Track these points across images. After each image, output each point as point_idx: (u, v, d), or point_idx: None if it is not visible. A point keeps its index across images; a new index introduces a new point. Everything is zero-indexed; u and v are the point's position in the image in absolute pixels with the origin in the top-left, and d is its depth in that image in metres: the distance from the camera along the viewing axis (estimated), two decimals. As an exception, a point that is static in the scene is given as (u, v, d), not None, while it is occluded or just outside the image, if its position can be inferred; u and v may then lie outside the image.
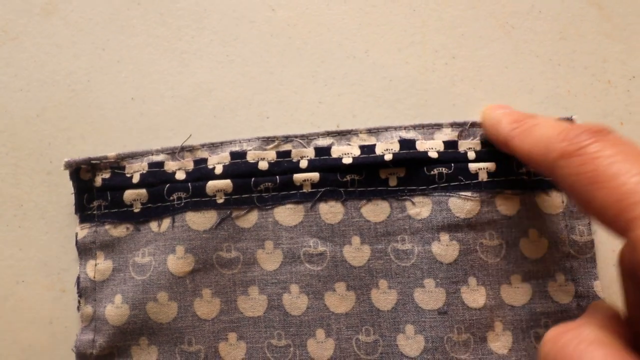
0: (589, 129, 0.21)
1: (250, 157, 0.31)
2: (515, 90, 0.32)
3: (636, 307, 0.22)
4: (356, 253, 0.31)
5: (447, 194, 0.30)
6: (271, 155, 0.31)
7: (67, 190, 0.32)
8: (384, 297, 0.30)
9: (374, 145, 0.31)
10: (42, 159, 0.33)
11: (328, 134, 0.32)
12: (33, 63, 0.34)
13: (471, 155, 0.30)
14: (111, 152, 0.32)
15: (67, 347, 0.31)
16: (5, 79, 0.34)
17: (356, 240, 0.31)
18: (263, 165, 0.31)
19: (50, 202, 0.33)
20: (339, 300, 0.30)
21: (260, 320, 0.31)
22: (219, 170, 0.31)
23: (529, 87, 0.32)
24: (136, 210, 0.32)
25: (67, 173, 0.32)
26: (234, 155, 0.31)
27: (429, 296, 0.30)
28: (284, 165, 0.31)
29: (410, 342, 0.30)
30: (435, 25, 0.33)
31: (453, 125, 0.31)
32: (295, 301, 0.31)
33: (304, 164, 0.31)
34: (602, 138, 0.21)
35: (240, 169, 0.31)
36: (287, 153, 0.32)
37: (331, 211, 0.31)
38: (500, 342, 0.30)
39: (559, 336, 0.20)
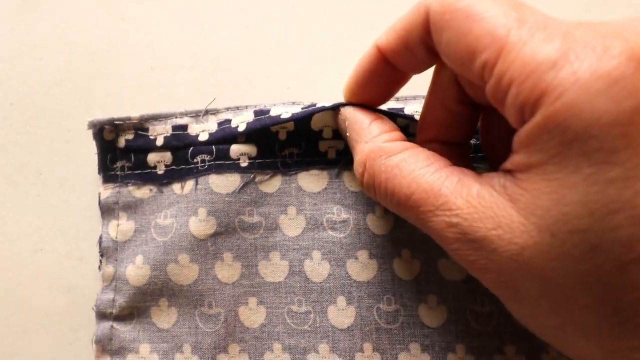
0: None
1: (274, 112, 0.30)
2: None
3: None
4: (380, 221, 0.30)
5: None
6: (296, 109, 0.31)
7: (85, 159, 0.32)
8: (406, 267, 0.30)
9: (402, 109, 0.31)
10: (60, 127, 0.33)
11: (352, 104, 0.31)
12: (52, 33, 0.34)
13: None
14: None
15: (85, 314, 0.31)
16: (25, 48, 0.34)
17: (380, 208, 0.30)
18: (286, 115, 0.30)
19: (69, 170, 0.33)
20: (361, 268, 0.30)
21: (281, 285, 0.30)
22: (242, 127, 0.30)
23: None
24: (160, 172, 0.32)
25: (85, 143, 0.32)
26: (257, 112, 0.31)
27: (453, 266, 0.29)
28: (309, 129, 0.31)
29: (433, 312, 0.29)
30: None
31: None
32: (317, 268, 0.30)
33: (328, 132, 0.31)
34: None
35: (263, 122, 0.30)
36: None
37: (355, 179, 0.31)
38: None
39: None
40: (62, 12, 0.34)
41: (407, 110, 0.31)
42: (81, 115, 0.33)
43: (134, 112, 0.32)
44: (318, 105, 0.29)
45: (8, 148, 0.34)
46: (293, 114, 0.30)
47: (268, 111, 0.31)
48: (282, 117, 0.30)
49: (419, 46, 0.23)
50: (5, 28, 0.35)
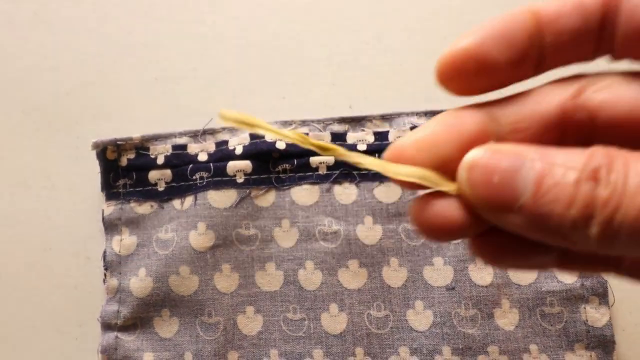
0: None
1: (269, 138, 0.33)
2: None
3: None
4: (368, 232, 0.32)
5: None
6: None
7: (93, 164, 0.34)
8: (394, 275, 0.32)
9: (387, 132, 0.33)
10: (70, 135, 0.35)
11: (343, 119, 0.34)
12: (63, 45, 0.36)
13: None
14: (136, 130, 0.34)
15: (91, 311, 0.33)
16: (37, 59, 0.36)
17: (369, 220, 0.32)
18: (281, 145, 0.32)
19: (77, 175, 0.35)
20: (352, 276, 0.32)
21: (277, 294, 0.32)
22: (239, 150, 0.33)
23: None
24: (160, 189, 0.33)
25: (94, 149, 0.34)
26: (253, 135, 0.33)
27: (438, 273, 0.31)
28: (301, 147, 0.33)
29: (420, 317, 0.31)
30: (444, 13, 0.35)
31: (463, 112, 0.33)
32: (310, 277, 0.32)
33: (319, 147, 0.33)
34: None
35: (259, 147, 0.32)
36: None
37: (345, 192, 0.33)
38: (507, 319, 0.31)
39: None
40: (72, 27, 0.36)
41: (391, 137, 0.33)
42: (89, 122, 0.35)
43: (139, 120, 0.34)
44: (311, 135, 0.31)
45: (20, 152, 0.36)
46: (287, 144, 0.32)
47: (263, 135, 0.33)
48: (276, 145, 0.32)
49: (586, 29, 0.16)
50: (20, 41, 0.37)
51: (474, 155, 0.14)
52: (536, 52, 0.16)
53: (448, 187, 0.15)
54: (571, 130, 0.16)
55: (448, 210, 0.15)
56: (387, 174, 0.15)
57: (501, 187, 0.14)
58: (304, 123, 0.34)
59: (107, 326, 0.32)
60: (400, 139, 0.15)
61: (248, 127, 0.16)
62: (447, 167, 0.15)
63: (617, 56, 0.16)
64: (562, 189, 0.14)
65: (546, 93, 0.16)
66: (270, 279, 0.32)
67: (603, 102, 0.15)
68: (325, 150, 0.16)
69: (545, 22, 0.15)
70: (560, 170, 0.14)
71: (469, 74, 0.15)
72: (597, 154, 0.14)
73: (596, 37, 0.16)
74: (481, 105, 0.16)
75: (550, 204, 0.14)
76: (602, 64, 0.17)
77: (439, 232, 0.15)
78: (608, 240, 0.13)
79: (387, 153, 0.15)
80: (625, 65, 0.16)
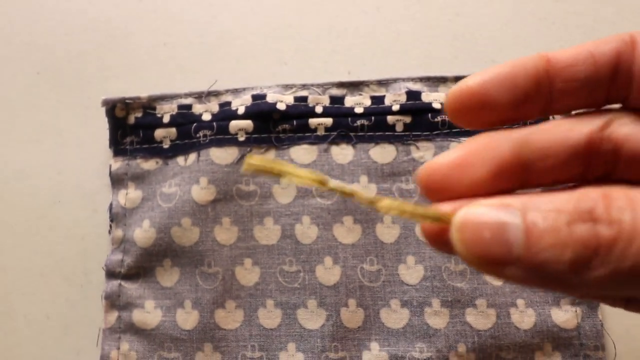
0: None
1: (270, 99, 0.34)
2: (512, 45, 0.35)
3: None
4: (363, 191, 0.33)
5: (449, 139, 0.33)
6: (289, 99, 0.34)
7: (102, 123, 0.36)
8: (387, 231, 0.33)
9: (384, 97, 0.34)
10: (81, 94, 0.37)
11: (341, 84, 0.35)
12: (76, 10, 0.38)
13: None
14: (144, 92, 0.35)
15: (97, 260, 0.34)
16: (52, 24, 0.38)
17: (364, 179, 0.34)
18: (281, 106, 0.34)
19: (87, 132, 0.36)
20: (346, 231, 0.33)
21: (274, 248, 0.33)
22: (241, 110, 0.34)
23: (526, 43, 0.35)
24: (165, 146, 0.35)
25: (102, 109, 0.35)
26: (255, 97, 0.34)
27: (429, 230, 0.33)
28: (301, 108, 0.34)
29: (411, 271, 0.32)
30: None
31: (457, 79, 0.34)
32: (306, 231, 0.33)
33: (319, 109, 0.34)
34: None
35: (260, 107, 0.34)
36: (304, 98, 0.35)
37: (342, 153, 0.34)
38: (494, 275, 0.32)
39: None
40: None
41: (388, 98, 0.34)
42: (99, 84, 0.37)
43: (148, 82, 0.36)
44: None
45: (33, 111, 0.37)
46: (287, 106, 0.34)
47: (264, 96, 0.34)
48: (277, 106, 0.34)
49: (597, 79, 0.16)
50: (36, 6, 0.39)
51: (463, 214, 0.14)
52: (545, 95, 0.16)
53: None
54: (596, 161, 0.16)
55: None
56: (404, 215, 0.15)
57: (493, 242, 0.14)
58: (304, 87, 0.35)
59: (111, 274, 0.34)
60: (435, 159, 0.16)
61: (274, 174, 0.16)
62: (479, 189, 0.16)
63: (631, 105, 0.16)
64: (554, 233, 0.13)
65: (576, 123, 0.16)
66: (268, 232, 0.34)
67: (628, 135, 0.16)
68: (345, 194, 0.16)
69: (557, 69, 0.16)
70: (550, 215, 0.13)
71: (473, 110, 0.17)
72: (589, 194, 0.13)
73: (607, 86, 0.16)
74: (515, 130, 0.16)
75: (545, 250, 0.13)
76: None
77: (443, 248, 0.16)
78: (619, 280, 0.13)
79: (421, 171, 0.16)
80: None
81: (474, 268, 0.15)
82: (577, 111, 0.17)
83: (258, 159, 0.16)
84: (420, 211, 0.15)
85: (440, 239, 0.16)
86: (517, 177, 0.16)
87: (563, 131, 0.16)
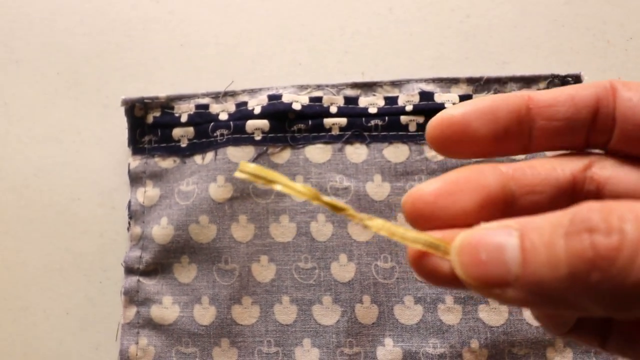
0: None
1: (286, 99, 0.35)
2: (522, 47, 0.36)
3: None
4: (377, 189, 0.34)
5: (462, 139, 0.34)
6: (304, 99, 0.35)
7: (120, 121, 0.36)
8: (401, 228, 0.34)
9: (397, 97, 0.35)
10: (99, 94, 0.38)
11: (355, 85, 0.36)
12: (96, 11, 0.39)
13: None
14: (161, 92, 0.36)
15: (115, 256, 0.35)
16: (72, 24, 0.39)
17: (377, 177, 0.34)
18: (297, 106, 0.35)
19: (105, 131, 0.37)
20: (361, 229, 0.34)
21: (290, 245, 0.34)
22: (257, 110, 0.35)
23: (535, 44, 0.36)
24: (183, 145, 0.36)
25: (120, 108, 0.36)
26: (271, 97, 0.35)
27: (443, 228, 0.33)
28: (316, 108, 0.35)
29: (424, 268, 0.33)
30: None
31: (469, 80, 0.35)
32: (322, 229, 0.34)
33: (333, 109, 0.35)
34: None
35: (276, 107, 0.34)
36: (319, 99, 0.35)
37: (356, 152, 0.35)
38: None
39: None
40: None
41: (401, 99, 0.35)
42: (118, 83, 0.38)
43: (165, 82, 0.37)
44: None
45: (53, 111, 0.38)
46: (303, 106, 0.34)
47: (280, 96, 0.35)
48: (293, 106, 0.34)
49: (579, 121, 0.17)
50: (55, 7, 0.40)
51: (461, 238, 0.14)
52: (525, 132, 0.17)
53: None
54: (580, 199, 0.15)
55: (442, 265, 0.15)
56: (394, 237, 0.15)
57: (490, 263, 0.14)
58: (318, 87, 0.36)
59: (129, 270, 0.34)
60: (419, 185, 0.16)
61: (265, 181, 0.16)
62: (463, 219, 0.15)
63: (612, 149, 0.17)
64: (549, 249, 0.13)
65: (560, 162, 0.17)
66: (283, 230, 0.34)
67: (609, 178, 0.16)
68: (337, 209, 0.16)
69: (538, 107, 0.17)
70: (546, 231, 0.13)
71: (454, 140, 0.17)
72: (583, 207, 0.13)
73: (587, 129, 0.17)
74: (502, 164, 0.17)
75: (542, 267, 0.13)
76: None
77: (434, 281, 0.15)
78: (623, 297, 0.12)
79: (406, 197, 0.16)
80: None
81: (477, 293, 0.14)
82: (562, 152, 0.17)
83: (251, 167, 0.16)
84: (411, 235, 0.15)
85: (426, 266, 0.15)
86: (502, 210, 0.16)
87: (548, 169, 0.16)
